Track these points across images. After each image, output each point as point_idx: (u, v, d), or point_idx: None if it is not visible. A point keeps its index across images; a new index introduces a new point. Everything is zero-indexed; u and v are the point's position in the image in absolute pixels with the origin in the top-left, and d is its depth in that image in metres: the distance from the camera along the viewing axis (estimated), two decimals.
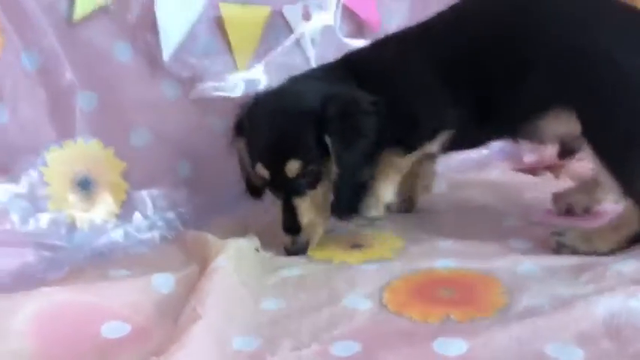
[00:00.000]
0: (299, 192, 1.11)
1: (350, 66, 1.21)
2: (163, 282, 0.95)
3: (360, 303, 0.88)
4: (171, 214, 1.34)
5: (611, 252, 0.99)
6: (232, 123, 1.20)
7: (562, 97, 1.02)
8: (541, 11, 1.06)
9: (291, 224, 1.12)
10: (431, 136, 1.15)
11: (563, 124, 1.03)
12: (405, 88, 1.14)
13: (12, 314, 0.80)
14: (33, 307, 0.82)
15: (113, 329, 0.84)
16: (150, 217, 1.32)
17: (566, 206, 1.23)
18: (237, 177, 1.29)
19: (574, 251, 1.01)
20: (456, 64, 1.10)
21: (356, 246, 1.14)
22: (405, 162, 1.18)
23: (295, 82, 1.20)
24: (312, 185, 1.12)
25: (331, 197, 1.14)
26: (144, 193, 1.34)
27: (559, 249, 1.03)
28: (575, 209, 1.22)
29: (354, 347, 0.75)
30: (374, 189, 1.16)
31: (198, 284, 0.90)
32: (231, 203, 1.40)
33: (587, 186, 1.23)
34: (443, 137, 1.16)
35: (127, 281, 0.97)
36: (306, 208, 1.12)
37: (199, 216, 1.37)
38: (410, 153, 1.17)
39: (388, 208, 1.22)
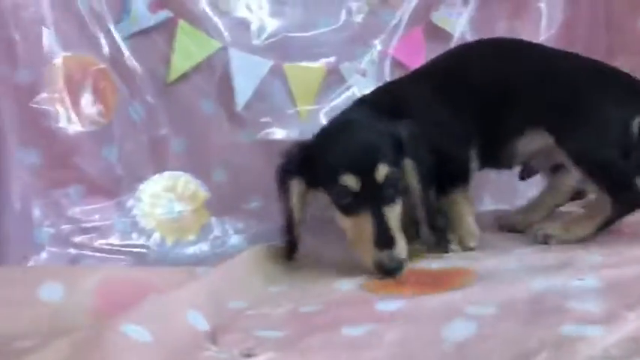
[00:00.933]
0: (388, 200, 1.12)
1: (383, 101, 1.33)
2: (204, 271, 1.20)
3: (344, 285, 1.05)
4: (240, 237, 1.62)
5: (589, 236, 1.17)
6: (279, 169, 1.25)
7: (537, 118, 1.23)
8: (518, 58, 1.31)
9: (386, 237, 1.09)
10: (468, 165, 1.29)
11: (537, 141, 1.23)
12: (431, 124, 1.25)
13: (87, 277, 1.08)
14: (103, 275, 1.10)
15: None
16: (223, 238, 1.61)
17: (508, 226, 1.43)
18: None
19: (559, 240, 1.16)
20: (461, 102, 1.27)
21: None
22: (469, 194, 1.30)
23: (349, 114, 1.30)
24: (401, 192, 1.15)
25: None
26: (222, 220, 1.64)
27: (545, 240, 1.18)
28: (517, 228, 1.41)
29: (318, 307, 0.93)
30: (465, 224, 1.26)
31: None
32: None
33: (526, 208, 1.44)
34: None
35: (179, 273, 1.23)
36: (396, 219, 1.12)
37: (266, 238, 1.63)
38: (468, 185, 1.29)
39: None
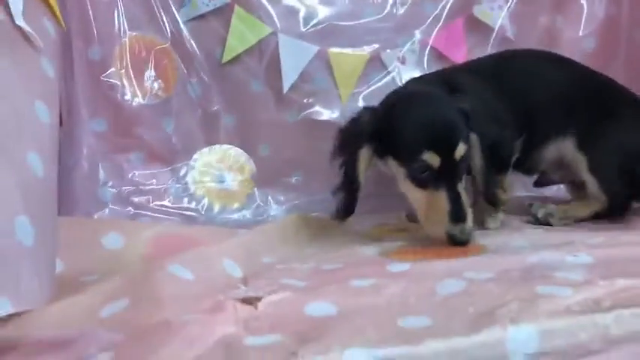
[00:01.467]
0: (461, 176, 1.20)
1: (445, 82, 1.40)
2: (244, 232, 1.35)
3: (368, 250, 1.18)
4: (280, 208, 1.77)
5: (581, 220, 1.36)
6: (347, 133, 1.30)
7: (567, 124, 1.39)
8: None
9: (460, 212, 1.17)
10: (512, 154, 1.39)
11: (561, 149, 1.40)
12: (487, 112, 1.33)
13: (143, 230, 1.25)
14: (157, 229, 1.27)
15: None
16: (264, 207, 1.76)
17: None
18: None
19: (557, 220, 1.34)
20: (505, 101, 1.38)
21: (402, 230, 1.44)
22: (506, 181, 1.40)
23: (417, 87, 1.40)
24: (468, 170, 1.24)
25: None
26: (264, 191, 1.79)
27: (546, 218, 1.33)
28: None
29: (338, 266, 1.06)
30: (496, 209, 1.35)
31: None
32: (328, 205, 1.78)
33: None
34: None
35: (223, 231, 1.39)
36: (465, 194, 1.20)
37: (303, 210, 1.77)
38: (506, 174, 1.39)
39: None
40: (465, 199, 1.19)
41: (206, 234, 1.33)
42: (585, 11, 1.88)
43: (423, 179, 1.19)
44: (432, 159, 1.17)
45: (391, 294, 0.85)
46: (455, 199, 1.17)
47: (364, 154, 1.25)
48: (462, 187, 1.20)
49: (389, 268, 1.01)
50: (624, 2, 1.89)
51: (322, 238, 1.34)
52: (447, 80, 1.40)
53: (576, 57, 1.87)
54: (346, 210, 1.30)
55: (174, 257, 0.97)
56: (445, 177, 1.18)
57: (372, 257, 1.13)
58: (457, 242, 1.16)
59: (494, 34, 1.85)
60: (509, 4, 1.85)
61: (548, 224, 1.37)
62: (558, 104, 1.40)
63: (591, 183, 1.38)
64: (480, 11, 1.83)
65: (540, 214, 1.39)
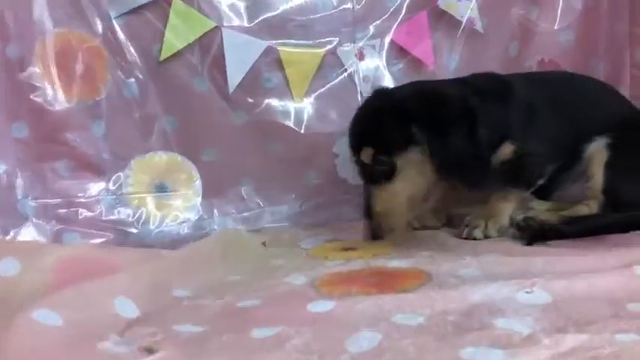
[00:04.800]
0: (375, 180, 1.24)
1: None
2: (166, 254, 1.20)
3: (297, 280, 1.03)
4: (226, 220, 1.61)
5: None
6: None
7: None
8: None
9: (366, 210, 1.25)
10: (543, 172, 1.34)
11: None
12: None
13: (45, 254, 1.09)
14: (63, 253, 1.11)
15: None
16: (207, 220, 1.60)
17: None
18: (288, 195, 1.62)
19: (542, 221, 1.25)
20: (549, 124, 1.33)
21: (350, 249, 1.28)
22: (516, 197, 1.34)
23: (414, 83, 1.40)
24: (388, 176, 1.23)
25: (419, 194, 1.27)
26: (209, 202, 1.63)
27: (527, 221, 1.25)
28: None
29: (254, 302, 0.91)
30: (499, 217, 1.31)
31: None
32: (280, 217, 1.64)
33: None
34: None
35: (144, 253, 1.23)
36: (380, 197, 1.23)
37: (252, 222, 1.63)
38: (526, 191, 1.35)
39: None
40: (378, 199, 1.22)
41: (124, 257, 1.17)
42: (561, 3, 1.72)
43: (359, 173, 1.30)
44: (356, 156, 1.27)
45: (293, 347, 0.70)
46: (366, 198, 1.25)
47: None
48: (379, 189, 1.23)
49: (309, 308, 0.85)
50: None
51: (253, 262, 1.19)
52: (507, 83, 1.36)
53: (553, 52, 1.75)
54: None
55: (47, 298, 0.82)
56: (365, 175, 1.27)
57: (299, 289, 0.97)
58: (364, 236, 1.26)
59: (461, 28, 1.69)
60: None
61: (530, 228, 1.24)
62: (598, 119, 1.37)
63: (597, 178, 1.32)
64: (445, 3, 1.67)
65: (519, 219, 1.29)
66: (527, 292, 0.85)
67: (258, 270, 1.14)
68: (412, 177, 1.23)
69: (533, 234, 1.21)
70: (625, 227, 1.21)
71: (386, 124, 1.23)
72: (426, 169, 1.22)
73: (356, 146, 1.26)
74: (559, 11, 1.72)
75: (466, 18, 1.68)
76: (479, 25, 1.69)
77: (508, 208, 1.33)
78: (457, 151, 1.17)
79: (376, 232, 1.24)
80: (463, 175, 1.21)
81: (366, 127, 1.26)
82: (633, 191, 1.27)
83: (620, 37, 1.75)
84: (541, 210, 1.37)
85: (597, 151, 1.34)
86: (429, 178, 1.24)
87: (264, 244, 1.32)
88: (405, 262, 1.09)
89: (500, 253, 1.12)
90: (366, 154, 1.23)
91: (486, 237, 1.29)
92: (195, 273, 1.08)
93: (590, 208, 1.32)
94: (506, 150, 1.29)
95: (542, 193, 1.43)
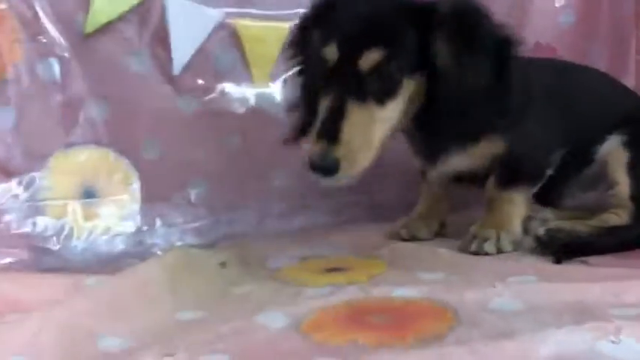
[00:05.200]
0: (360, 96, 0.92)
1: None
2: (95, 282, 0.90)
3: (275, 321, 0.74)
4: (170, 232, 1.31)
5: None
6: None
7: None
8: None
9: (329, 128, 0.90)
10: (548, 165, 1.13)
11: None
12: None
13: None
14: None
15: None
16: (148, 231, 1.30)
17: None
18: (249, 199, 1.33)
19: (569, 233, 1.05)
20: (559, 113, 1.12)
21: (335, 269, 1.01)
22: (524, 197, 1.12)
23: None
24: (382, 96, 0.93)
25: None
26: (150, 209, 1.32)
27: (551, 233, 1.04)
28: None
29: (224, 358, 0.63)
30: (510, 226, 1.09)
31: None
32: (240, 226, 1.35)
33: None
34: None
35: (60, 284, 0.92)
36: (358, 122, 0.91)
37: (204, 235, 1.33)
38: (532, 187, 1.13)
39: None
40: (356, 124, 0.90)
41: (34, 289, 0.87)
42: None
43: (314, 81, 0.96)
44: (328, 53, 0.92)
45: None
46: (332, 113, 0.90)
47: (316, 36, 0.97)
48: (363, 109, 0.91)
49: None
50: None
51: (213, 292, 0.89)
52: None
53: (552, 33, 1.54)
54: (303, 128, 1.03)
55: None
56: (337, 83, 0.91)
57: (279, 337, 0.69)
58: (315, 169, 0.90)
59: None
60: None
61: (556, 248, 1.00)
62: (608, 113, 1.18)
63: (623, 185, 1.12)
64: None
65: (542, 232, 1.06)
66: (612, 342, 0.60)
67: (220, 302, 0.85)
68: (406, 106, 0.96)
69: (562, 249, 0.98)
70: None
71: (405, 28, 0.93)
72: (416, 99, 0.97)
73: (353, 43, 0.92)
74: None
75: None
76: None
77: (518, 212, 1.11)
78: (480, 82, 0.93)
79: (329, 158, 0.89)
80: (469, 119, 0.95)
81: (376, 24, 0.93)
82: None
83: (624, 19, 1.56)
84: (561, 219, 1.14)
85: (614, 151, 1.15)
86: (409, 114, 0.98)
87: (222, 264, 1.03)
88: (413, 289, 0.82)
89: (533, 276, 0.87)
90: (369, 60, 0.91)
91: (499, 251, 1.05)
92: (133, 312, 0.78)
93: (619, 217, 1.11)
94: (494, 144, 1.07)
95: (548, 201, 1.21)
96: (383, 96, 0.93)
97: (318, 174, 0.91)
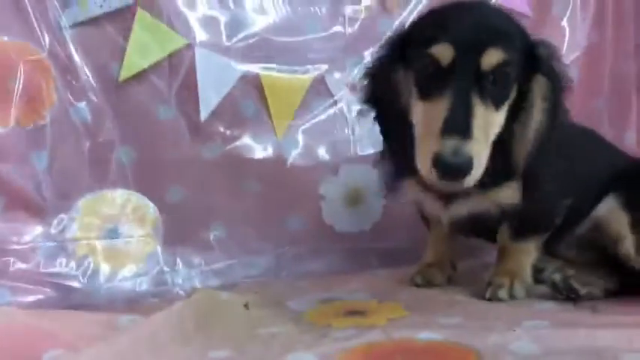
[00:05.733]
0: (484, 95, 0.91)
1: None
2: (129, 321, 0.93)
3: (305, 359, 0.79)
4: (192, 273, 1.35)
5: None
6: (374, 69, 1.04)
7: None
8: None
9: (462, 121, 0.86)
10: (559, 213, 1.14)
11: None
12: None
13: None
14: None
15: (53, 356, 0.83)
16: (170, 272, 1.34)
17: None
18: (267, 243, 1.39)
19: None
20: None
21: (355, 313, 1.05)
22: (535, 246, 1.15)
23: None
24: (499, 99, 0.93)
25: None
26: (172, 250, 1.36)
27: (567, 282, 1.06)
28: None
29: None
30: (523, 274, 1.12)
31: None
32: (258, 269, 1.40)
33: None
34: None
35: (94, 322, 0.96)
36: (483, 122, 0.89)
37: (223, 276, 1.37)
38: (542, 237, 1.15)
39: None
40: (482, 117, 0.88)
41: (68, 325, 0.90)
42: (567, 36, 1.60)
43: (427, 84, 0.92)
44: (442, 52, 0.90)
45: None
46: (461, 106, 0.86)
47: (401, 77, 0.98)
48: (487, 104, 0.90)
49: None
50: (608, 27, 1.63)
51: (241, 333, 0.93)
52: None
53: None
54: (398, 174, 1.04)
55: None
56: (460, 79, 0.89)
57: None
58: (445, 168, 0.84)
59: None
60: None
61: (572, 293, 1.05)
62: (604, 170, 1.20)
63: (629, 243, 1.11)
64: None
65: (558, 279, 1.08)
66: None
67: (248, 342, 0.89)
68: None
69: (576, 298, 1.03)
70: None
71: (520, 39, 0.96)
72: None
73: (472, 43, 0.90)
74: (564, 46, 1.59)
75: None
76: None
77: (530, 261, 1.14)
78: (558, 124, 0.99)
79: (465, 159, 0.86)
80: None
81: (495, 27, 0.95)
82: None
83: (626, 78, 1.64)
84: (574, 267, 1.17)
85: (614, 211, 1.16)
86: None
87: (246, 305, 1.07)
88: (436, 333, 0.86)
89: (546, 321, 0.92)
90: (493, 59, 0.90)
91: (512, 298, 1.09)
92: (169, 350, 0.82)
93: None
94: (509, 192, 1.09)
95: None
96: (500, 99, 0.93)
97: (446, 176, 0.86)
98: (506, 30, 0.96)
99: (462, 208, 1.11)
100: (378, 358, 0.79)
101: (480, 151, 0.88)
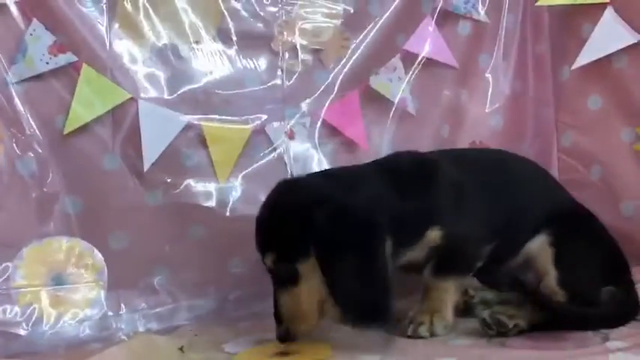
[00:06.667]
0: (279, 284, 1.15)
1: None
2: None
3: None
4: (135, 317, 1.40)
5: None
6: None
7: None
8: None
9: (275, 313, 1.16)
10: (479, 257, 1.25)
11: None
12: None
13: None
14: None
15: None
16: (113, 317, 1.38)
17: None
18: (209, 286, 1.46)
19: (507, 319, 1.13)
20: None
21: (283, 354, 1.11)
22: (457, 286, 1.24)
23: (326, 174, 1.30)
24: (293, 282, 1.12)
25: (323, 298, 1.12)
26: (116, 294, 1.41)
27: (495, 317, 1.13)
28: None
29: None
30: (443, 312, 1.21)
31: None
32: (200, 311, 1.45)
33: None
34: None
35: None
36: (285, 301, 1.14)
37: (166, 319, 1.42)
38: (463, 276, 1.26)
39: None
40: (284, 304, 1.14)
41: None
42: (491, 87, 1.72)
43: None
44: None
45: None
46: (275, 300, 1.16)
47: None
48: (284, 293, 1.14)
49: None
50: (529, 78, 1.77)
51: None
52: (423, 162, 1.29)
53: (485, 134, 1.73)
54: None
55: None
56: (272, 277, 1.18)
57: None
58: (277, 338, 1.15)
59: (393, 108, 1.63)
60: (409, 75, 1.64)
61: (502, 327, 1.12)
62: (536, 209, 1.31)
63: (552, 276, 1.23)
64: (376, 82, 1.61)
65: (486, 315, 1.15)
66: None
67: None
68: (317, 283, 1.10)
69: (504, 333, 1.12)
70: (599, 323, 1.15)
71: (286, 229, 1.13)
72: None
73: (260, 250, 1.18)
74: (489, 95, 1.72)
75: (398, 99, 1.63)
76: (411, 107, 1.64)
77: (450, 298, 1.23)
78: (349, 280, 1.07)
79: (285, 335, 1.15)
80: (354, 308, 1.08)
81: (267, 231, 1.18)
82: (588, 287, 1.21)
83: (546, 123, 1.77)
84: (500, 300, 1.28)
85: (542, 250, 1.27)
86: None
87: (181, 349, 1.12)
88: None
89: (456, 357, 1.00)
90: (269, 259, 1.15)
91: (432, 335, 1.17)
92: None
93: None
94: (433, 236, 1.19)
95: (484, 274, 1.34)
96: (292, 280, 1.13)
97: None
98: (275, 229, 1.16)
99: (402, 259, 1.21)
100: None
101: (295, 320, 1.14)
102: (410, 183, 1.19)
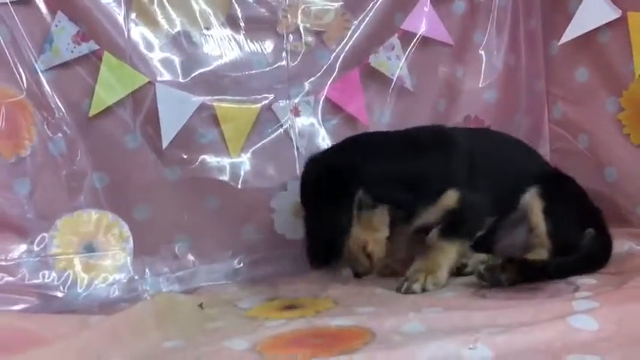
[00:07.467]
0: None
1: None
2: (98, 320, 1.13)
3: (237, 344, 0.99)
4: (158, 280, 1.55)
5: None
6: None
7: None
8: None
9: (353, 254, 1.36)
10: (483, 224, 1.42)
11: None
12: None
13: None
14: None
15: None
16: (139, 280, 1.54)
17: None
18: (225, 252, 1.61)
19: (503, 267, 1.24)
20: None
21: (291, 307, 1.26)
22: (457, 249, 1.37)
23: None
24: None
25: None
26: (141, 260, 1.56)
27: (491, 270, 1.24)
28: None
29: None
30: (438, 272, 1.33)
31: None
32: (217, 275, 1.60)
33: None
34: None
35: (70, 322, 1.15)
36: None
37: (187, 282, 1.57)
38: (465, 241, 1.39)
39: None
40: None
41: (47, 328, 1.09)
42: (484, 63, 1.82)
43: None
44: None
45: None
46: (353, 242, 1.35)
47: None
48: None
49: None
50: (522, 52, 1.86)
51: (189, 326, 1.14)
52: (440, 133, 1.49)
53: (479, 107, 1.83)
54: (326, 257, 1.34)
55: None
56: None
57: (240, 355, 0.94)
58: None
59: (392, 85, 1.74)
60: (406, 53, 1.75)
61: (495, 280, 1.23)
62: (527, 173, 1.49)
63: (541, 226, 1.40)
64: (376, 61, 1.72)
65: (482, 269, 1.25)
66: (470, 349, 0.85)
67: (196, 334, 1.09)
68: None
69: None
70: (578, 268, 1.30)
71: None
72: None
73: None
74: (482, 70, 1.82)
75: (396, 76, 1.74)
76: (408, 83, 1.75)
77: (447, 261, 1.36)
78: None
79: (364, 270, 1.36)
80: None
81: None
82: (572, 234, 1.38)
83: (538, 95, 1.86)
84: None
85: (532, 199, 1.43)
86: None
87: (200, 305, 1.27)
88: (348, 319, 1.08)
89: (441, 307, 1.13)
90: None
91: (424, 290, 1.30)
92: (129, 341, 1.02)
93: (540, 255, 1.37)
94: (451, 197, 1.36)
95: (481, 246, 1.46)
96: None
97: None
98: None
99: (420, 220, 1.38)
100: (296, 341, 1.00)
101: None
102: (430, 150, 1.39)
